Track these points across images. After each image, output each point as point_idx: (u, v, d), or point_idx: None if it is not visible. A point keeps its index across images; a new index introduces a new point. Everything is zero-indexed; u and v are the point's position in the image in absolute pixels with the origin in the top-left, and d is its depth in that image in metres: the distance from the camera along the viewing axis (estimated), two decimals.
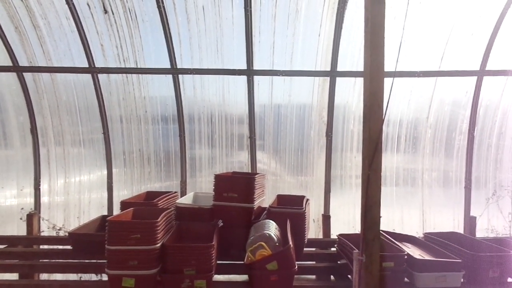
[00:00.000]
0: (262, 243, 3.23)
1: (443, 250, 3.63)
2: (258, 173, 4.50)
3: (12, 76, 5.17)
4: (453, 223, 5.29)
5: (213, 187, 3.98)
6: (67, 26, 4.85)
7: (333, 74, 5.02)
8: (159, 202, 4.06)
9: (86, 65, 5.03)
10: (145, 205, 4.02)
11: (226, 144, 5.37)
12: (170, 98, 5.22)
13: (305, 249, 4.09)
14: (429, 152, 5.34)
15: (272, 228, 3.47)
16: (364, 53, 2.80)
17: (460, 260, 3.38)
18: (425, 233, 4.31)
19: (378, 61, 2.69)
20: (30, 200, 5.42)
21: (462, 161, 5.29)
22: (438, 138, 5.30)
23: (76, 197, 5.47)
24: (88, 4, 4.71)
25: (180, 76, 5.09)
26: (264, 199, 4.50)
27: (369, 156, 2.79)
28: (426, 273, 3.30)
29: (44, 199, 5.44)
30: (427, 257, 3.68)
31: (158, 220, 3.20)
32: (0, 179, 5.47)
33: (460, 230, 5.18)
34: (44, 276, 4.50)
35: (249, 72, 5.01)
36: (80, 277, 4.29)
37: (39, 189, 5.41)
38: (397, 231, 4.48)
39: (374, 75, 2.71)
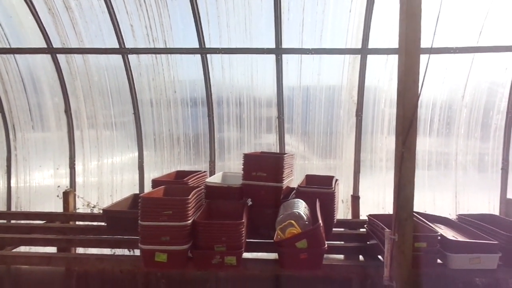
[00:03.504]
0: (292, 221, 3.22)
1: (477, 232, 3.51)
2: (287, 153, 4.47)
3: (46, 58, 5.31)
4: (488, 206, 5.10)
5: (242, 166, 3.96)
6: (98, 7, 4.90)
7: (364, 51, 4.88)
8: (189, 181, 4.11)
9: (117, 46, 5.10)
10: (176, 184, 4.09)
11: (254, 125, 5.36)
12: (199, 79, 5.22)
13: (334, 229, 4.06)
14: (464, 132, 5.14)
15: (301, 207, 3.46)
16: (399, 26, 2.69)
17: (496, 242, 3.26)
18: (459, 214, 4.18)
19: (414, 33, 2.59)
20: (66, 179, 5.64)
21: (499, 142, 5.05)
22: (474, 118, 5.07)
23: (109, 177, 5.64)
24: None
25: (208, 56, 5.08)
26: (293, 179, 4.48)
27: (403, 133, 2.72)
28: (460, 254, 3.21)
29: (78, 179, 5.65)
30: (460, 238, 3.58)
31: (189, 197, 3.25)
32: (38, 159, 5.73)
33: (496, 213, 5.00)
34: (80, 250, 4.69)
35: (278, 51, 4.94)
36: (114, 252, 4.44)
37: (74, 168, 5.61)
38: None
39: (409, 49, 2.61)
